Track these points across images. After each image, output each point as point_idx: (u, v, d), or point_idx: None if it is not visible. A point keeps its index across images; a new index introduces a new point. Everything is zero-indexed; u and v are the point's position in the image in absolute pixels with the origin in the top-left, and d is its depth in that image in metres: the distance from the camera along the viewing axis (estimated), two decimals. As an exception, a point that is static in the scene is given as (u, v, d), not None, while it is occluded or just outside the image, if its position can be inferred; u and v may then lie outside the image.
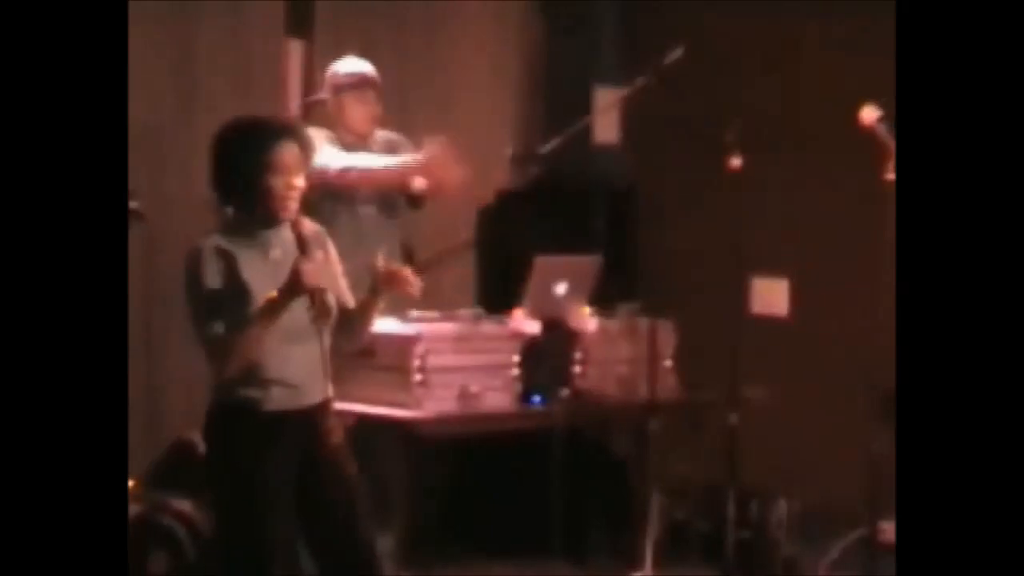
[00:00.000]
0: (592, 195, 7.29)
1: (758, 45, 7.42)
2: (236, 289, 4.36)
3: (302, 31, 7.02)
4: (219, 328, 4.34)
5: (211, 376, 4.46)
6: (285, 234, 4.44)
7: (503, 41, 7.70)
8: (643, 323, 6.37)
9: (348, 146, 6.27)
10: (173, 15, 6.55)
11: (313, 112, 6.54)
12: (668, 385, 6.52)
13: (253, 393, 4.40)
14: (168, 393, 6.37)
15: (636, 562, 6.26)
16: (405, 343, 5.89)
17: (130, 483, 5.61)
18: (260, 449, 4.40)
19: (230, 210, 4.47)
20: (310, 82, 7.01)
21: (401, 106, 6.87)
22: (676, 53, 6.20)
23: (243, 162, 4.39)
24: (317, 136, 6.37)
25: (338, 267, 4.61)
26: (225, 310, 4.35)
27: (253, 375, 4.39)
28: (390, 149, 6.39)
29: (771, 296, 7.44)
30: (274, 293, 4.31)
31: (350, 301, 4.60)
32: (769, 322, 7.36)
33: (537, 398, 6.15)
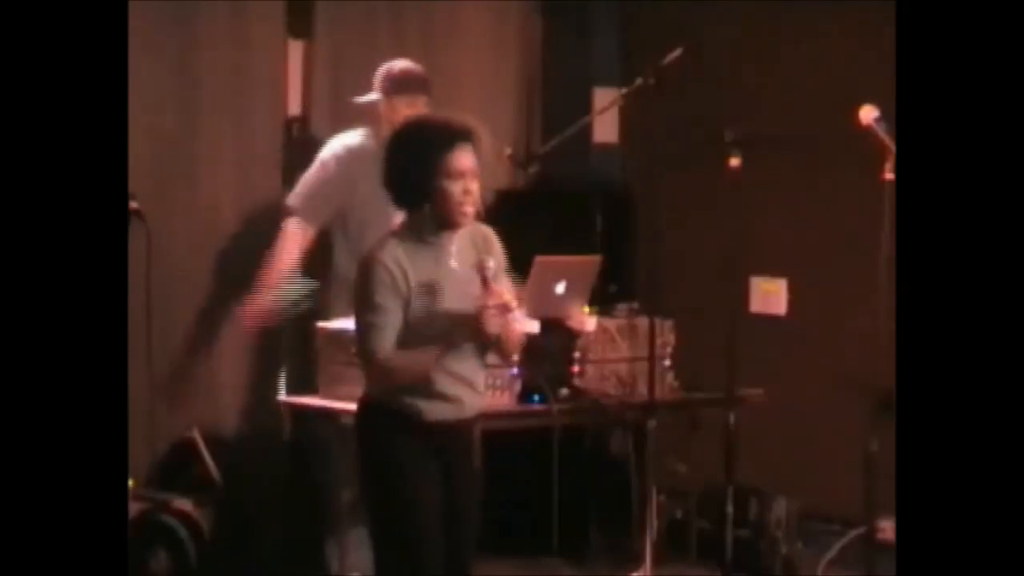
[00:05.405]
0: (591, 195, 7.27)
1: (758, 45, 7.42)
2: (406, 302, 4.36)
3: (302, 31, 7.01)
4: (383, 349, 4.35)
5: (369, 386, 4.51)
6: (461, 241, 4.45)
7: (503, 41, 7.69)
8: (642, 323, 6.37)
9: None
10: (173, 15, 6.54)
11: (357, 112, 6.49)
12: (667, 384, 6.52)
13: (419, 403, 4.44)
14: (168, 393, 6.36)
15: (635, 561, 6.26)
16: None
17: (130, 483, 5.61)
18: (416, 456, 4.45)
19: (405, 212, 4.49)
20: (310, 82, 7.02)
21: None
22: (675, 53, 6.20)
23: (419, 166, 4.37)
24: (353, 138, 6.35)
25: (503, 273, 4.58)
26: (391, 328, 4.35)
27: (419, 388, 4.42)
28: None
29: (770, 295, 7.44)
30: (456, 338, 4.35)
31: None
32: (768, 321, 7.36)
33: (536, 397, 6.15)
